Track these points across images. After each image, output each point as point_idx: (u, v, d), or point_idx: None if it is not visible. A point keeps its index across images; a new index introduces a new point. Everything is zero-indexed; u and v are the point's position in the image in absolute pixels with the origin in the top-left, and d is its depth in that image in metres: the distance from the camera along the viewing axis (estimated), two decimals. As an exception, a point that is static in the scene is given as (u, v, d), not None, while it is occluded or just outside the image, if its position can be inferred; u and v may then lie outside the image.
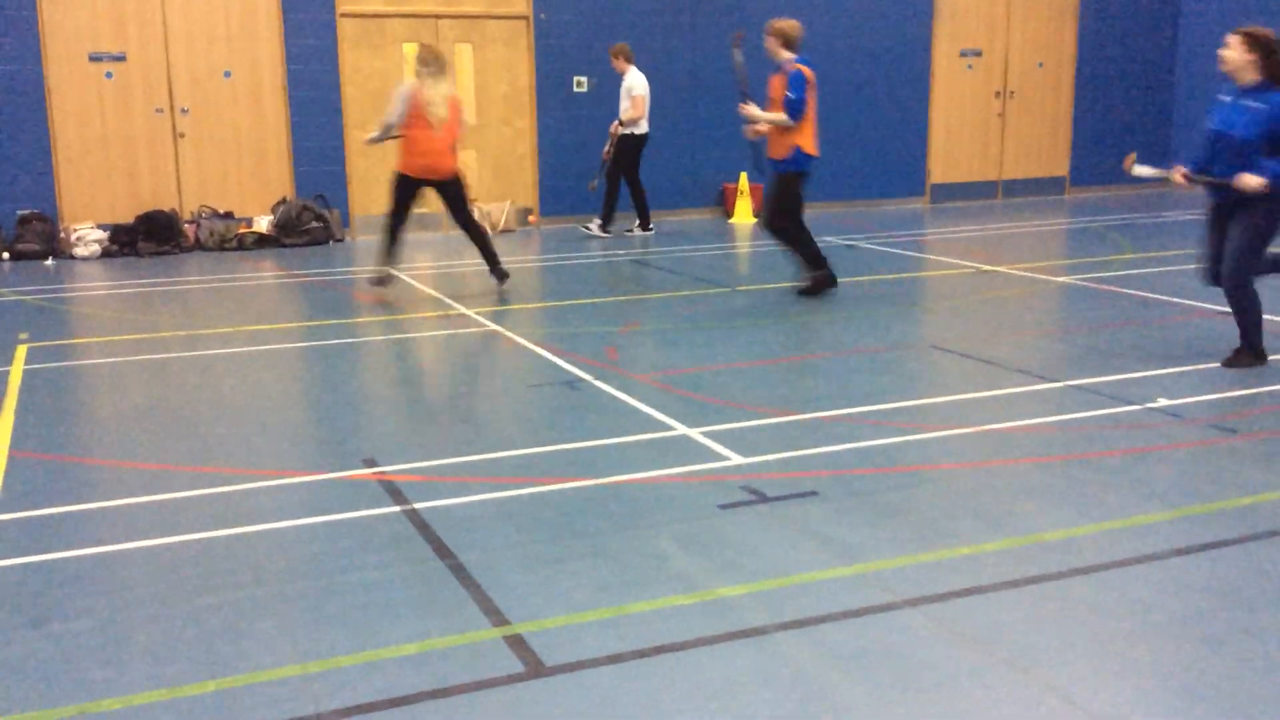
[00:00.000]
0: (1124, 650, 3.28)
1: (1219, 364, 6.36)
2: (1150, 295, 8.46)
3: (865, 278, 9.55)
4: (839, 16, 14.39)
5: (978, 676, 3.14)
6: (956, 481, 4.72)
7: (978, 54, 15.35)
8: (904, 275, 9.90)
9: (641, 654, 3.29)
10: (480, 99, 13.05)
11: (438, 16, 12.76)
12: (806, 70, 8.28)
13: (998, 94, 15.53)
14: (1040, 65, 15.68)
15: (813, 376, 6.44)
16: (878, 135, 14.95)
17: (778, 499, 4.47)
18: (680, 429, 5.39)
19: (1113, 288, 8.86)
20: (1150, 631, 3.39)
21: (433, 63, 8.52)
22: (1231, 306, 6.35)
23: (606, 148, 12.26)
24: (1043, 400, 5.86)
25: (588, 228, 12.49)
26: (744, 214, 13.71)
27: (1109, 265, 9.99)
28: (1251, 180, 5.92)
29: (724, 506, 4.41)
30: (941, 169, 15.48)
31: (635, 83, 12.02)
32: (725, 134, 13.75)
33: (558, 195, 13.51)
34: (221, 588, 3.75)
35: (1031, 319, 8.02)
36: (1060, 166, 16.11)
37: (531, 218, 13.29)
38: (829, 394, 6.01)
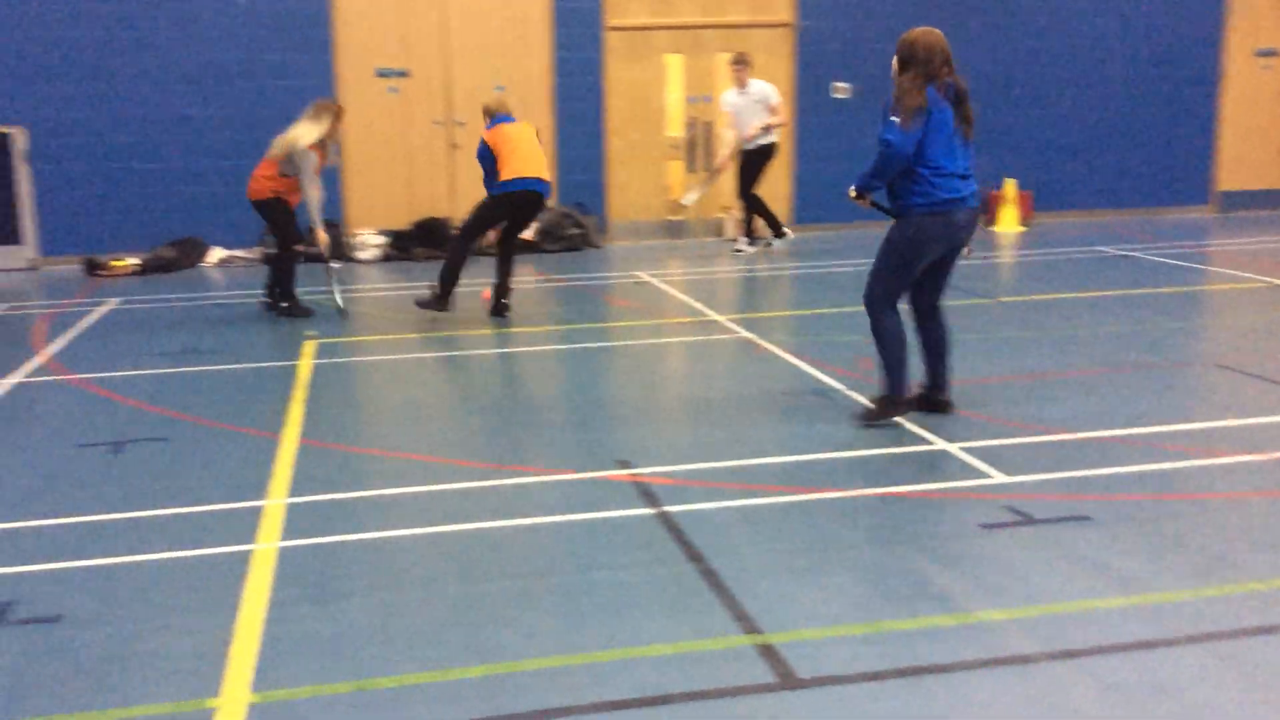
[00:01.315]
0: None
1: None
2: None
3: (1142, 290, 8.96)
4: (1114, 15, 13.61)
5: (1274, 727, 2.87)
6: (1244, 511, 4.35)
7: (1274, 54, 14.17)
8: (1185, 288, 9.23)
9: (901, 673, 3.18)
10: (739, 107, 13.10)
11: (701, 27, 12.91)
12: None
13: (1298, 95, 14.27)
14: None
15: (1084, 393, 6.09)
16: (1157, 139, 14.03)
17: (1045, 521, 4.24)
18: (939, 443, 5.21)
19: None
20: None
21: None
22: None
23: (721, 166, 11.74)
24: (1350, 428, 5.33)
25: (739, 250, 11.63)
26: (1009, 222, 13.17)
27: None
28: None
29: (986, 526, 4.23)
30: (1232, 175, 14.35)
31: (771, 89, 11.33)
32: (990, 139, 13.27)
33: (814, 203, 13.39)
34: (485, 577, 3.89)
35: (1335, 339, 7.31)
36: (1372, 173, 14.64)
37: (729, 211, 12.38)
38: (1101, 412, 5.66)
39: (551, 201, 12.71)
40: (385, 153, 12.50)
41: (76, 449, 5.43)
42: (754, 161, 11.33)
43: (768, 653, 3.31)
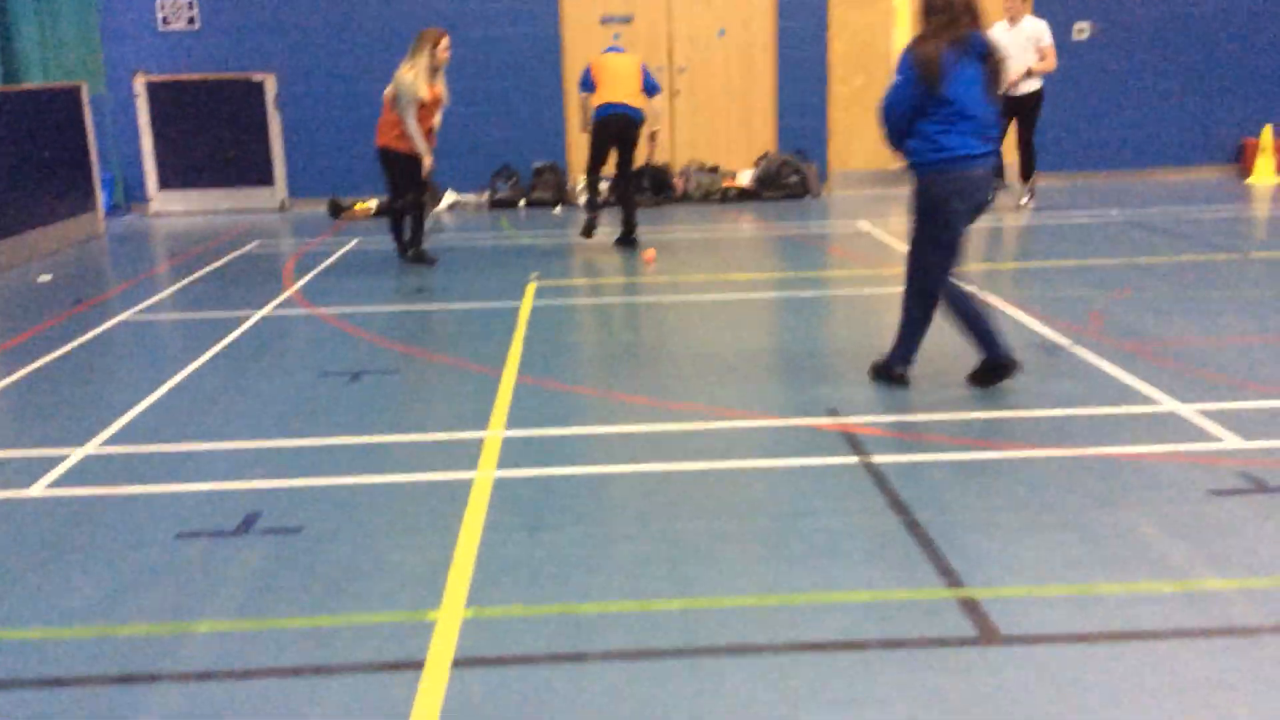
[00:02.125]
0: None
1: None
2: None
3: None
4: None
5: None
6: None
7: None
8: None
9: (1110, 636, 3.08)
10: (969, 51, 12.63)
11: (930, -33, 12.45)
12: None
13: None
14: None
15: (1337, 358, 5.64)
16: None
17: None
18: (1168, 404, 4.96)
19: None
20: None
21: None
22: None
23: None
24: None
25: (1023, 204, 10.93)
26: (1265, 173, 12.23)
27: None
28: None
29: (1215, 492, 4.00)
30: None
31: (1045, 28, 10.38)
32: (1241, 81, 12.34)
33: (1053, 150, 12.80)
34: (692, 515, 3.98)
35: None
36: None
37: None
38: (1357, 379, 5.24)
39: (771, 148, 12.65)
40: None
41: (318, 377, 5.83)
42: (1023, 109, 10.41)
43: (970, 607, 3.27)
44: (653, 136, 9.42)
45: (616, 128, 8.96)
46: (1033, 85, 10.38)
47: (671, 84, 12.63)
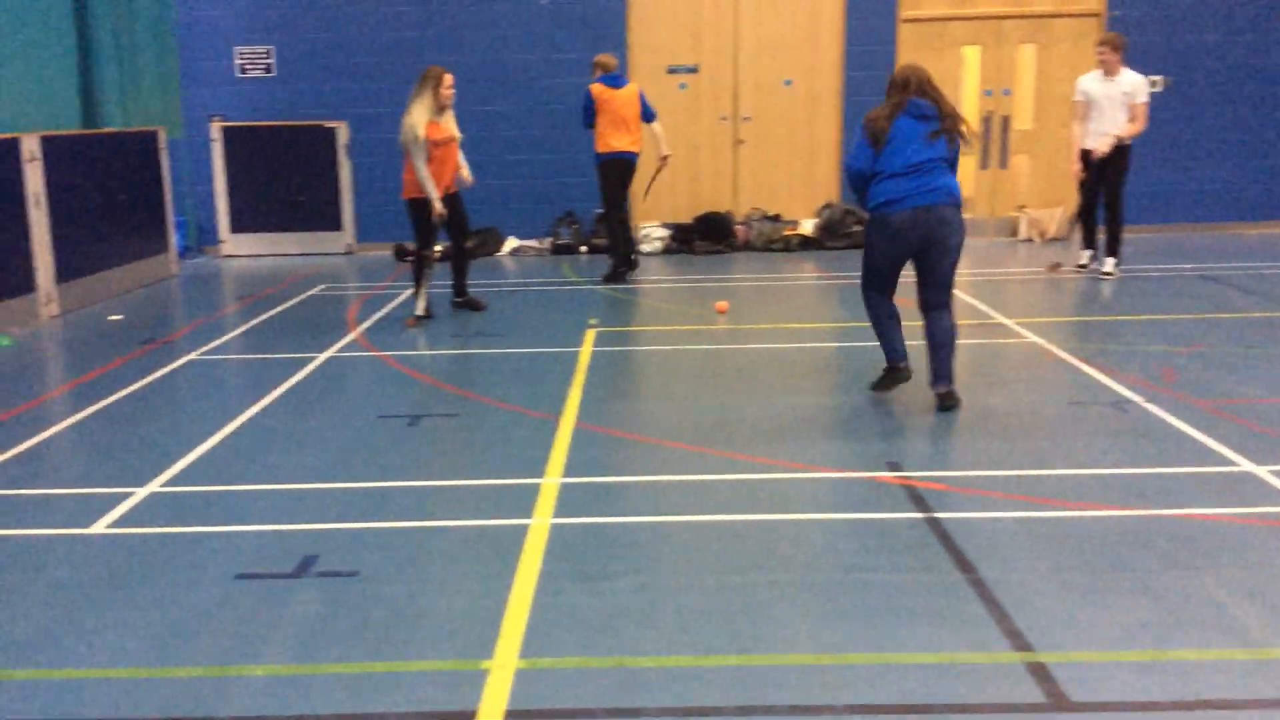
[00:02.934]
0: None
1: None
2: None
3: None
4: None
5: None
6: None
7: None
8: None
9: (1182, 706, 2.96)
10: (1041, 100, 12.53)
11: (1002, 17, 12.41)
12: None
13: None
14: None
15: None
16: None
17: (1368, 558, 3.82)
18: (1244, 465, 4.80)
19: None
20: None
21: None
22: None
23: (1079, 167, 9.67)
24: None
25: (1107, 273, 9.78)
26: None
27: None
28: None
29: (1296, 558, 3.85)
30: None
31: (1142, 85, 9.40)
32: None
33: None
34: (748, 568, 3.91)
35: None
36: None
37: (1050, 269, 11.48)
38: None
39: (834, 197, 12.60)
40: (672, 148, 12.72)
41: (377, 419, 5.85)
42: (1123, 161, 9.44)
43: (1039, 671, 3.16)
44: (664, 160, 10.17)
45: (622, 170, 9.97)
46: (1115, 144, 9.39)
47: (736, 133, 12.66)
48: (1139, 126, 9.39)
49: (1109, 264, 9.79)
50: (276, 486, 4.86)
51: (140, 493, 4.79)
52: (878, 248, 5.86)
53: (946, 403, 5.79)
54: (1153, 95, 12.31)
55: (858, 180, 5.84)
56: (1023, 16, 12.41)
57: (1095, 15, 12.36)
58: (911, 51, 12.46)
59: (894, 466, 4.91)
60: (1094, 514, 4.32)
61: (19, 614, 3.68)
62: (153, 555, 4.13)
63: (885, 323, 6.04)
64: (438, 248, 10.48)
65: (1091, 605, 3.56)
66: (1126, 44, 9.59)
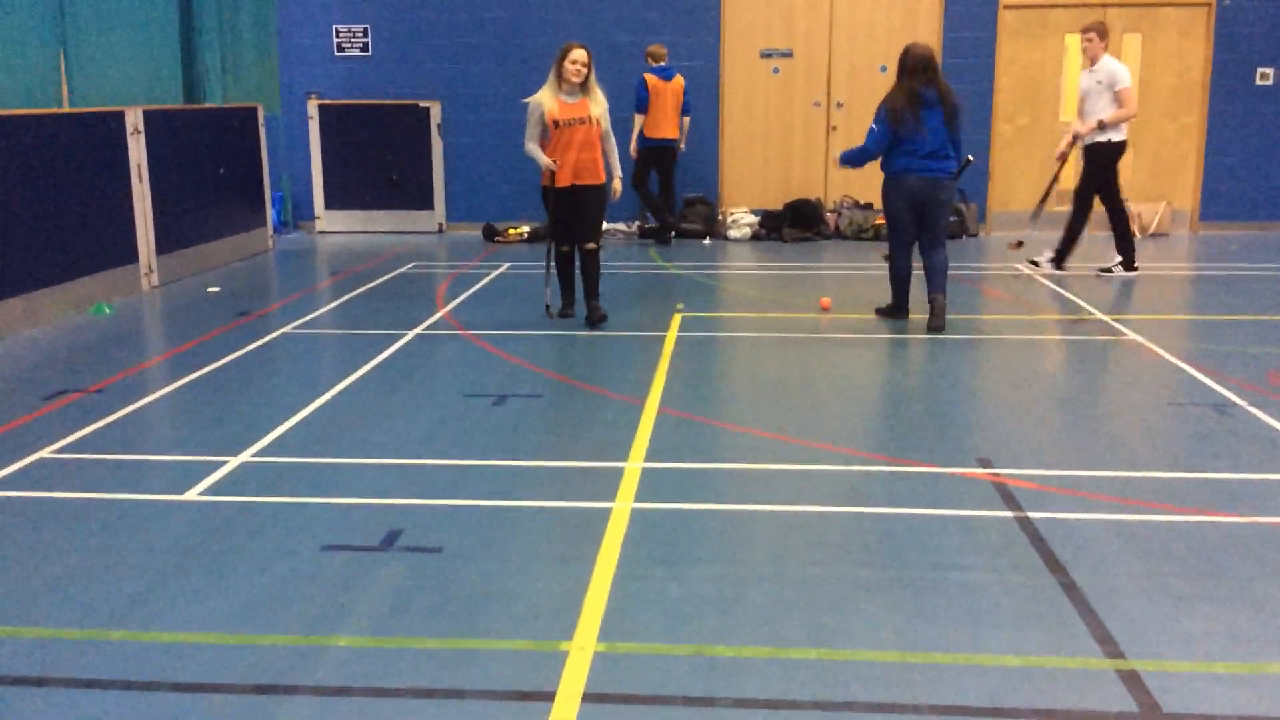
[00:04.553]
0: None
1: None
2: None
3: None
4: None
5: None
6: None
7: None
8: None
9: (1284, 724, 2.85)
10: (1144, 90, 12.16)
11: (1107, 4, 12.07)
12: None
13: None
14: None
15: None
16: None
17: None
18: (1357, 474, 4.60)
19: None
20: None
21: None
22: None
23: (1060, 158, 9.59)
24: None
25: (1034, 262, 9.81)
26: None
27: None
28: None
29: None
30: None
31: (1120, 72, 9.16)
32: None
33: (1223, 198, 12.22)
34: (832, 561, 3.85)
35: None
36: None
37: (1012, 246, 10.51)
38: None
39: (928, 187, 12.37)
40: (763, 132, 12.63)
41: (464, 398, 5.90)
42: (1095, 161, 9.27)
43: (1130, 680, 3.06)
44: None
45: (661, 155, 11.45)
46: (1113, 135, 9.18)
47: (829, 119, 12.51)
48: (1127, 111, 9.12)
49: (1044, 257, 9.74)
50: (364, 460, 4.93)
51: (233, 462, 4.89)
52: (897, 203, 7.45)
53: (936, 305, 7.41)
54: (1265, 88, 11.92)
55: (869, 159, 7.54)
56: (1128, 5, 12.04)
57: (1205, 5, 11.95)
58: (1013, 39, 12.18)
59: (985, 463, 4.81)
60: (1192, 519, 4.18)
61: (114, 577, 3.77)
62: (243, 524, 4.21)
63: (904, 280, 7.68)
64: (525, 227, 10.37)
65: (1187, 613, 3.44)
66: (1105, 30, 9.33)
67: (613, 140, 7.61)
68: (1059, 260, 9.62)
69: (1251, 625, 3.37)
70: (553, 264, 7.84)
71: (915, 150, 7.27)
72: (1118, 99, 9.09)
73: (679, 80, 11.39)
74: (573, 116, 7.36)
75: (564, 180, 7.42)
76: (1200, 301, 8.81)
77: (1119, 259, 9.47)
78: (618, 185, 7.71)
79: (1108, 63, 9.21)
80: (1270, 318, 7.78)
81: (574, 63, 7.33)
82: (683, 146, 11.68)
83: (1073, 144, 9.39)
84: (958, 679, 3.08)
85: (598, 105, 7.45)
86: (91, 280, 8.39)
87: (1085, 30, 9.35)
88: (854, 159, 7.62)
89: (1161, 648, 3.23)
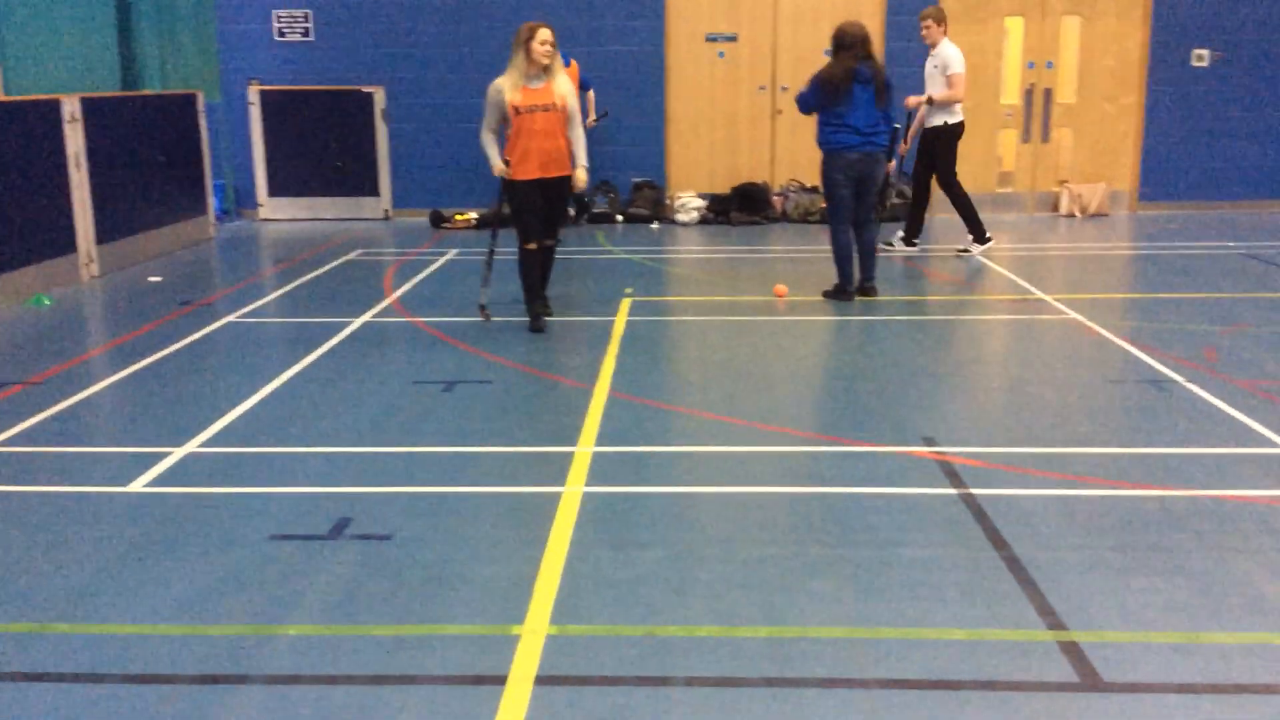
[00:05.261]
0: None
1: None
2: None
3: None
4: None
5: None
6: None
7: None
8: None
9: (1217, 689, 2.93)
10: (1084, 72, 12.34)
11: (1044, -12, 12.22)
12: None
13: None
14: None
15: None
16: None
17: None
18: (1288, 447, 4.73)
19: None
20: None
21: None
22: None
23: (905, 141, 9.76)
24: None
25: (888, 244, 9.87)
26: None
27: None
28: None
29: (1338, 542, 3.80)
30: None
31: (953, 56, 9.37)
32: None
33: (1162, 179, 12.44)
34: (780, 541, 3.90)
35: None
36: None
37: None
38: None
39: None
40: (710, 117, 12.65)
41: (413, 385, 5.88)
42: (930, 145, 9.56)
43: (1071, 651, 3.13)
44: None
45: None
46: (945, 118, 9.44)
47: (774, 103, 12.56)
48: (953, 94, 9.34)
49: (896, 239, 9.99)
50: (312, 449, 4.90)
51: (178, 453, 4.84)
52: (836, 178, 7.77)
53: (870, 294, 7.86)
54: (1200, 69, 12.13)
55: (806, 108, 7.94)
56: (1069, -12, 12.19)
57: (1143, -13, 12.13)
58: (955, 22, 12.27)
59: (929, 441, 4.88)
60: (1131, 493, 4.28)
61: (59, 569, 3.73)
62: (189, 514, 4.18)
63: (846, 255, 7.85)
64: (472, 214, 10.31)
65: (1126, 585, 3.52)
66: (940, 15, 9.51)
67: (580, 126, 7.09)
68: (911, 238, 10.01)
69: (1188, 596, 3.46)
70: (493, 260, 7.52)
71: (850, 125, 7.63)
72: (949, 82, 9.35)
73: (573, 64, 11.22)
74: (535, 103, 6.85)
75: (530, 173, 6.90)
76: (1140, 281, 8.98)
77: (970, 238, 9.72)
78: (582, 174, 7.09)
79: (945, 47, 9.46)
80: (1207, 295, 7.95)
81: (543, 43, 6.81)
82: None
83: (910, 126, 9.70)
84: (905, 654, 3.14)
85: (562, 88, 6.94)
86: (30, 271, 8.24)
87: (923, 16, 9.56)
88: (799, 102, 8.03)
89: (1101, 619, 3.31)
